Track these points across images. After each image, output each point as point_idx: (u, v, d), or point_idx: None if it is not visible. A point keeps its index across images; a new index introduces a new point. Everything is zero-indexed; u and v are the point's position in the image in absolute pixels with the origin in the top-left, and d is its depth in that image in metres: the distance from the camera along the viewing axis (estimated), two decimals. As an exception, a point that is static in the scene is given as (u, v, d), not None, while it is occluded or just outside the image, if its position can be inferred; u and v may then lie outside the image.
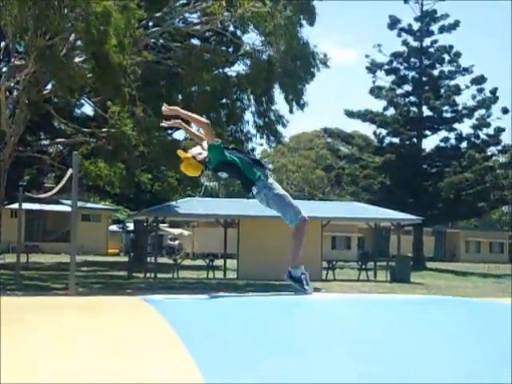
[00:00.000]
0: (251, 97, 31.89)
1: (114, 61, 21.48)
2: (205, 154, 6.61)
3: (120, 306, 5.83)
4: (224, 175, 7.21)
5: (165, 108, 6.78)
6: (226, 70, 32.01)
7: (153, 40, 28.36)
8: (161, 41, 29.08)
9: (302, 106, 30.32)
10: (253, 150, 36.59)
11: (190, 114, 6.62)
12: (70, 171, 16.65)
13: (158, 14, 27.88)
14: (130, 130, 25.56)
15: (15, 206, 34.88)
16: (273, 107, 32.27)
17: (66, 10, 20.93)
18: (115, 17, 21.11)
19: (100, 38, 20.97)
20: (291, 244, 7.20)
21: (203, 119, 6.72)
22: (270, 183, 6.85)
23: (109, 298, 8.54)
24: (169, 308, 5.42)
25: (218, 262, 36.70)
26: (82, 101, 30.92)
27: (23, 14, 20.83)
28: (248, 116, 33.28)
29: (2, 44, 27.68)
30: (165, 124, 7.20)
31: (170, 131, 37.29)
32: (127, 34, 22.09)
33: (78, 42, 23.93)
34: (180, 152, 6.63)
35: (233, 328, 4.90)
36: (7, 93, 25.64)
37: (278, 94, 30.79)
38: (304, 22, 28.92)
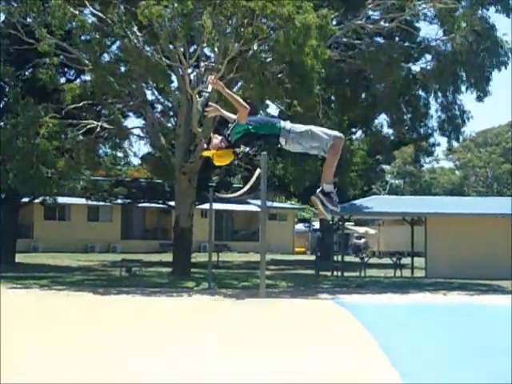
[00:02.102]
0: (435, 91, 31.31)
1: (308, 68, 21.89)
2: (219, 138, 6.84)
3: (313, 309, 5.88)
4: (248, 148, 7.26)
5: (211, 80, 6.94)
6: (410, 65, 31.64)
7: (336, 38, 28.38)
8: (344, 39, 29.06)
9: (483, 96, 29.51)
10: (436, 145, 36.00)
11: (232, 95, 6.69)
12: (257, 171, 16.95)
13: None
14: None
15: (205, 206, 35.99)
16: (458, 101, 31.59)
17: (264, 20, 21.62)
18: (313, 29, 21.64)
19: (298, 48, 21.51)
20: (327, 161, 6.93)
21: (244, 103, 6.70)
22: (291, 126, 6.87)
23: (302, 301, 8.63)
24: (363, 311, 5.41)
25: (405, 261, 36.25)
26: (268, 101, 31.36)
27: (221, 21, 21.62)
28: (431, 111, 32.79)
29: (192, 49, 28.60)
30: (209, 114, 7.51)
31: (353, 133, 37.30)
32: (321, 42, 22.52)
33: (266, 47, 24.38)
34: (206, 153, 6.94)
35: (427, 331, 4.84)
36: (197, 96, 26.47)
37: (463, 87, 30.15)
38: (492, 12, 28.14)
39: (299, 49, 21.66)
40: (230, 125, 6.89)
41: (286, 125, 6.76)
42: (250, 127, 6.73)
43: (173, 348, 4.68)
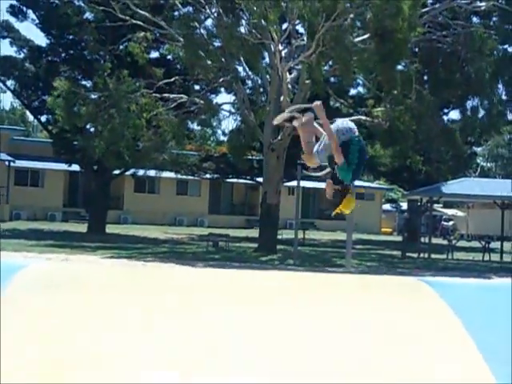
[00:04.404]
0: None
1: (398, 38, 21.69)
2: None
3: (398, 287, 5.82)
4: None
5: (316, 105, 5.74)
6: (506, 46, 30.83)
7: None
8: (439, 18, 28.54)
9: None
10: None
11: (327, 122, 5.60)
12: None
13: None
14: (404, 112, 25.42)
15: (293, 183, 35.99)
16: None
17: None
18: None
19: (389, 18, 21.40)
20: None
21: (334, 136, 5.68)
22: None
23: (387, 278, 8.59)
24: (450, 291, 5.33)
25: (494, 245, 35.62)
26: (359, 80, 31.11)
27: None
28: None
29: (284, 26, 28.57)
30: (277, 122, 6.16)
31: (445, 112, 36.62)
32: (414, 14, 22.32)
33: (358, 23, 24.22)
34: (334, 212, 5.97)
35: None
36: (288, 73, 26.45)
37: None
38: None
39: (394, 16, 21.49)
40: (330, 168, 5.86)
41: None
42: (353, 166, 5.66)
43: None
